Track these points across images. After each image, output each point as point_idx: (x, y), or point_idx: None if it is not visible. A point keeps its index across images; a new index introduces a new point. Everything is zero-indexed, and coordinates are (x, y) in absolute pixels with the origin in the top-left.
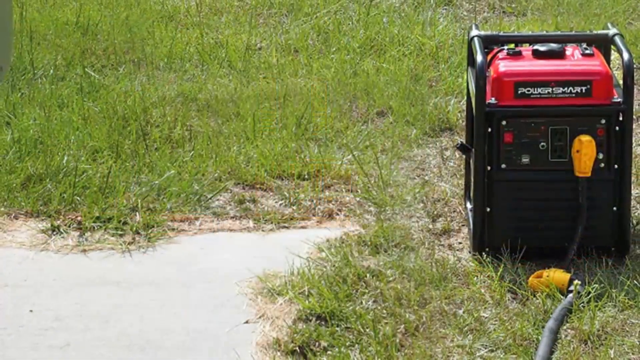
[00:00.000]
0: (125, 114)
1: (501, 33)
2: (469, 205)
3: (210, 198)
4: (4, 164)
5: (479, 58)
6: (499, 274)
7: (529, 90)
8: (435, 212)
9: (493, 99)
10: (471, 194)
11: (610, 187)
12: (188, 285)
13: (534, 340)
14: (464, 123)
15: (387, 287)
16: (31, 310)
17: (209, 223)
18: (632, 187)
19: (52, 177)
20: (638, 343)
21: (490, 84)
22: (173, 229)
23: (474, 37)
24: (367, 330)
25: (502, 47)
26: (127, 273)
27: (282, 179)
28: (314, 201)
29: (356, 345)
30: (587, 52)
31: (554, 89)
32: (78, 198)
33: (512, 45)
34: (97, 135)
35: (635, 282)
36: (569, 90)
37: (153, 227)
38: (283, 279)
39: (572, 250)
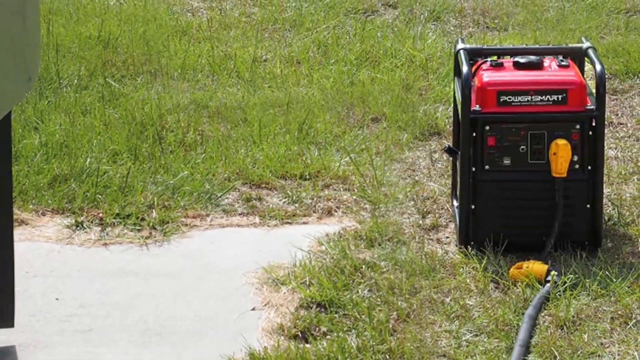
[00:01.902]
0: (143, 119)
1: (485, 46)
2: (455, 203)
3: (220, 196)
4: (33, 165)
5: (465, 69)
6: (482, 265)
7: (510, 98)
8: (424, 209)
9: (477, 106)
10: (457, 193)
11: (584, 186)
12: (200, 276)
13: (514, 326)
14: (451, 128)
15: (381, 277)
16: (57, 299)
17: (218, 219)
18: (604, 187)
19: (76, 178)
20: (609, 328)
21: (475, 93)
22: (186, 225)
23: (460, 50)
24: (363, 316)
25: (485, 59)
26: (144, 265)
27: (286, 179)
28: (315, 199)
29: (353, 330)
30: (563, 63)
31: (533, 97)
32: (100, 196)
33: (495, 57)
34: (117, 139)
35: (607, 272)
36: (546, 98)
37: (168, 222)
38: (286, 270)
39: (550, 244)
